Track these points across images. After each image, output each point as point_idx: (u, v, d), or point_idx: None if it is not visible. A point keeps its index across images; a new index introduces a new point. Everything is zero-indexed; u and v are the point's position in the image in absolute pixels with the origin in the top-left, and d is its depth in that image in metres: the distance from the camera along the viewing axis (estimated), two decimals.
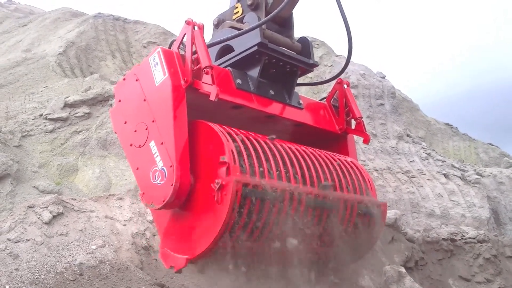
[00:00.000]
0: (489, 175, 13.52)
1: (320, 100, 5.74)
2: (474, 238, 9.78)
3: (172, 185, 3.88)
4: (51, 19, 17.74)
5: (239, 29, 4.76)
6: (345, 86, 5.49)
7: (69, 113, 11.56)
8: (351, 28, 5.05)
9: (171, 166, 3.93)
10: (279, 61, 4.87)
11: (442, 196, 11.65)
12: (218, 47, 4.99)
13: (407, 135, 13.70)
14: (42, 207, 7.34)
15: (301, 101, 5.20)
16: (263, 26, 4.70)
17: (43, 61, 14.20)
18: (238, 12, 5.05)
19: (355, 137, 5.65)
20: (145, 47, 16.31)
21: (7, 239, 6.71)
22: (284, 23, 5.15)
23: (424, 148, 13.54)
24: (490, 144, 19.57)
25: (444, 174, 12.38)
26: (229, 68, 4.73)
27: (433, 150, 14.20)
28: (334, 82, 5.66)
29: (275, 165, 4.17)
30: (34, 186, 9.50)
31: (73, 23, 16.93)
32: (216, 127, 4.10)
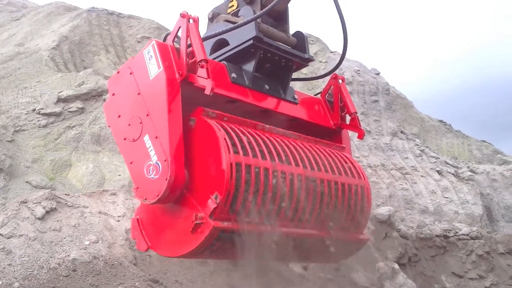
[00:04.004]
0: (482, 172, 13.56)
1: (315, 95, 5.73)
2: (467, 235, 9.82)
3: (166, 179, 3.85)
4: (44, 13, 17.58)
5: (234, 23, 4.73)
6: (340, 81, 5.48)
7: (63, 108, 11.47)
8: (347, 23, 5.03)
9: (165, 160, 3.90)
10: (275, 55, 4.84)
11: (435, 192, 11.68)
12: (212, 40, 4.96)
13: (401, 132, 13.72)
14: (35, 203, 7.29)
15: (296, 96, 5.18)
16: (258, 20, 4.67)
17: (36, 56, 14.05)
18: (233, 5, 5.02)
19: (350, 132, 5.65)
20: (139, 42, 16.20)
21: (0, 234, 6.66)
22: (279, 17, 5.12)
23: (417, 145, 13.56)
24: (484, 141, 19.65)
25: (438, 171, 12.41)
26: (224, 62, 4.70)
27: (427, 147, 14.23)
28: (329, 77, 5.65)
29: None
30: (27, 182, 9.42)
31: (67, 17, 16.77)
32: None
